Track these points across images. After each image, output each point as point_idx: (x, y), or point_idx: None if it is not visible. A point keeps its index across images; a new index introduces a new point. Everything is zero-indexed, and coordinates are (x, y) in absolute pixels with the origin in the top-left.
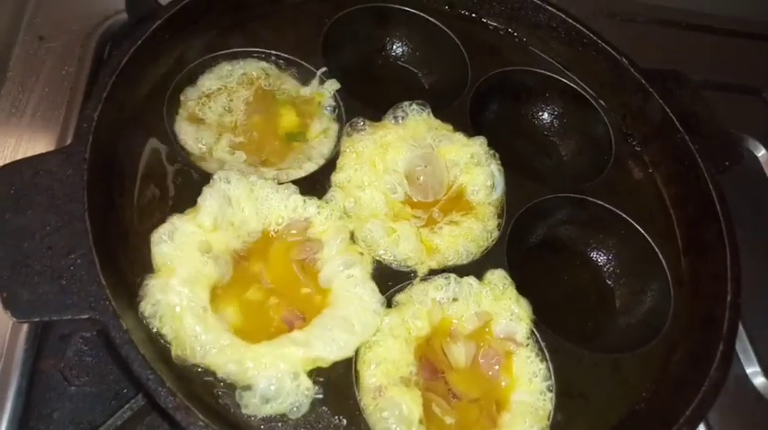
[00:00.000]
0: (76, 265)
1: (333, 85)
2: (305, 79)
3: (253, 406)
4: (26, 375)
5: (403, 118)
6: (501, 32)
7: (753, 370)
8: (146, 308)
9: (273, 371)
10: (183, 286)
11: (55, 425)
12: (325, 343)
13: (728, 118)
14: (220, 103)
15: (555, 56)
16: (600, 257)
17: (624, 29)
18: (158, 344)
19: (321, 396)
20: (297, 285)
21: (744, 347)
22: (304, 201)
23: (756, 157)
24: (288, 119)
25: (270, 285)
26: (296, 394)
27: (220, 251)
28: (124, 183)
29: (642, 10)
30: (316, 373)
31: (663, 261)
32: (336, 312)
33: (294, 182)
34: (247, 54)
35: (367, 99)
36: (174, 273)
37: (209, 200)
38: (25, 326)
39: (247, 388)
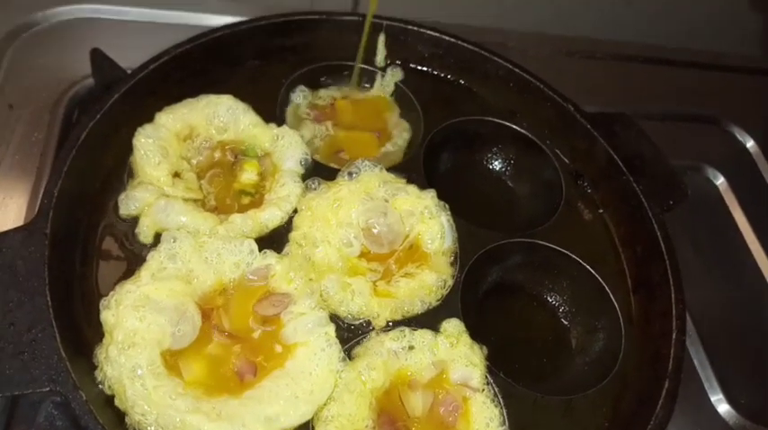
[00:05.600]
0: (38, 340)
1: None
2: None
3: None
4: None
5: (356, 174)
6: (453, 84)
7: (717, 397)
8: (98, 376)
9: None
10: (120, 353)
11: None
12: (289, 416)
13: (688, 148)
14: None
15: (505, 104)
16: (555, 298)
17: (584, 66)
18: (118, 410)
19: None
20: (257, 333)
21: (708, 376)
22: (263, 252)
23: (716, 185)
24: (247, 176)
25: (231, 335)
26: None
27: (165, 299)
28: (87, 251)
29: (600, 47)
30: None
31: (614, 301)
32: (299, 377)
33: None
34: None
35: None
36: (112, 340)
37: (150, 260)
38: None
39: None
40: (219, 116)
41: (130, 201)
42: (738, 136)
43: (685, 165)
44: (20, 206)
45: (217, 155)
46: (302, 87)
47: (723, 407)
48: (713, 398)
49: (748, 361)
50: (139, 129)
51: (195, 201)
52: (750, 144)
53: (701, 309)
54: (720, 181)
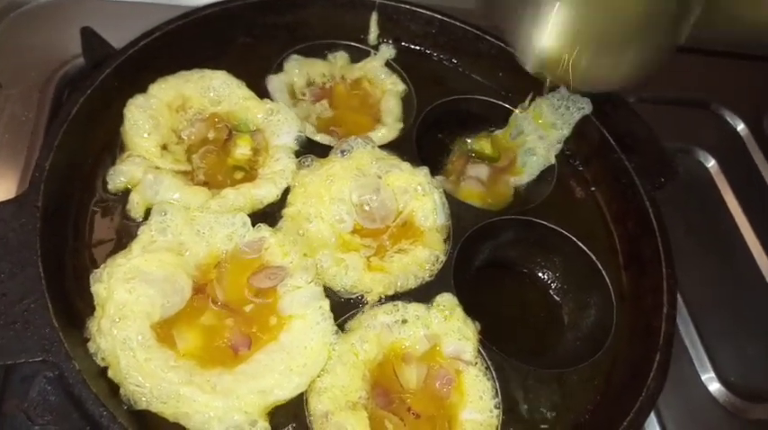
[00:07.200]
0: (30, 310)
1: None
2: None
3: None
4: None
5: (349, 151)
6: (445, 63)
7: (708, 376)
8: (91, 348)
9: (229, 423)
10: (112, 326)
11: None
12: (283, 388)
13: (679, 131)
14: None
15: (497, 82)
16: (547, 275)
17: None
18: (112, 381)
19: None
20: (251, 306)
21: (699, 355)
22: (257, 225)
23: (707, 168)
24: (241, 151)
25: (224, 306)
26: None
27: (154, 271)
28: (78, 226)
29: None
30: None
31: (606, 277)
32: (294, 351)
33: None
34: None
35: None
36: (104, 313)
37: (141, 234)
38: None
39: None
40: (214, 88)
41: (117, 175)
42: (729, 119)
43: (677, 148)
44: (9, 186)
45: (211, 133)
46: (296, 57)
47: (714, 386)
48: (704, 377)
49: (739, 340)
50: (131, 100)
51: (184, 173)
52: (740, 127)
53: (692, 290)
54: (711, 163)
